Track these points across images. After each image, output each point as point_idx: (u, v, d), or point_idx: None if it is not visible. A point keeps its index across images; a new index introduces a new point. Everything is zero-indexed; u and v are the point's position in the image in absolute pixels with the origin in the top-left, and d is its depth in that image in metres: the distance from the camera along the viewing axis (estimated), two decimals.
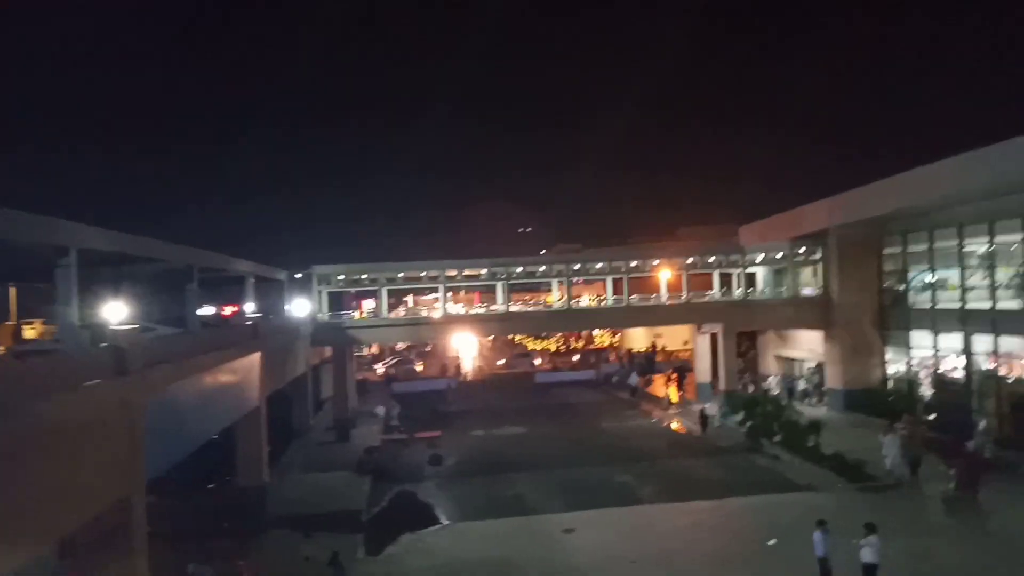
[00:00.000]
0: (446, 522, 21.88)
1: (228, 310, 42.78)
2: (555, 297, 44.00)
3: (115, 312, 15.03)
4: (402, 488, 25.54)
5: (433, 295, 59.34)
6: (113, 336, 13.49)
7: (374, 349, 70.32)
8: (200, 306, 27.94)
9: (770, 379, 37.47)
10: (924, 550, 16.81)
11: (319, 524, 20.74)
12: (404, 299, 68.86)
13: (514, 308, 39.71)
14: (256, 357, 22.31)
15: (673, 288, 40.05)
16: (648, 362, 52.20)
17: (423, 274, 37.36)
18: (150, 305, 29.54)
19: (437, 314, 39.09)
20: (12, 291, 25.93)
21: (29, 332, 28.46)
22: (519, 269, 38.63)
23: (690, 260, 37.91)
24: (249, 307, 33.70)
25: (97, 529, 12.18)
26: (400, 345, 68.74)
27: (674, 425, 34.85)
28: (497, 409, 41.09)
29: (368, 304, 50.45)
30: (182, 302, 31.44)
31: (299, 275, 41.13)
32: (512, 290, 39.18)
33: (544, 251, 74.66)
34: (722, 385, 36.18)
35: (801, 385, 36.99)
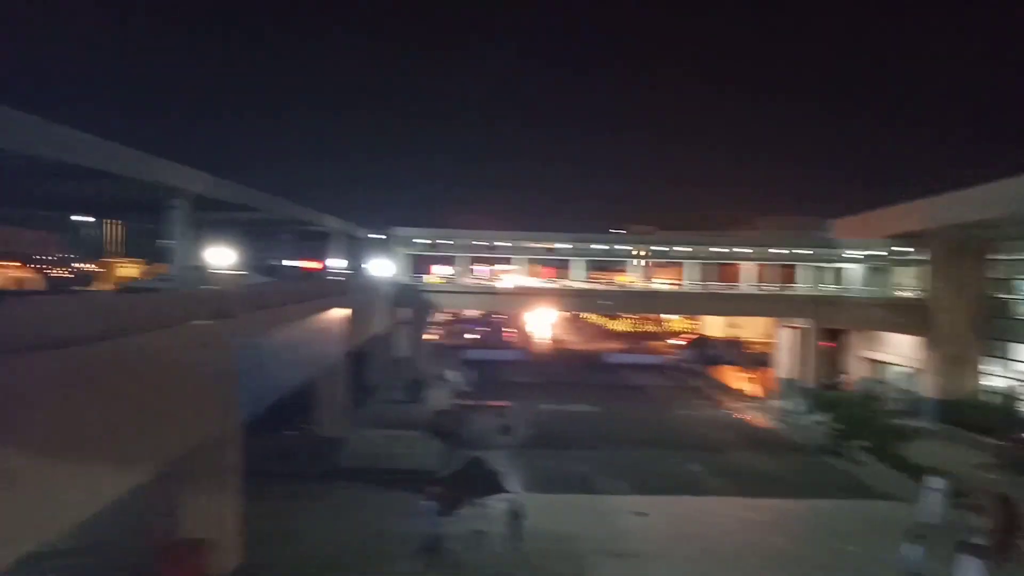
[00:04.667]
0: (516, 491, 21.96)
1: (308, 264, 44.00)
2: (629, 278, 43.22)
3: (219, 257, 15.51)
4: (473, 454, 25.80)
5: (504, 266, 59.68)
6: (216, 280, 13.88)
7: (446, 315, 71.09)
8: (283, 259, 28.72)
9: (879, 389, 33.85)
10: None
11: (392, 481, 21.16)
12: (471, 267, 69.24)
13: (587, 286, 39.26)
14: (343, 313, 22.72)
15: (757, 278, 38.76)
16: (735, 353, 49.42)
17: (503, 244, 37.27)
18: (240, 252, 30.62)
19: (511, 284, 39.08)
20: (121, 229, 27.49)
21: (133, 271, 30.13)
22: (600, 246, 38.09)
23: (780, 250, 36.56)
24: (335, 263, 34.50)
25: (195, 462, 12.68)
26: (474, 313, 69.21)
27: (747, 417, 33.96)
28: (566, 384, 40.99)
29: (437, 269, 50.94)
30: (269, 252, 32.51)
31: (379, 235, 41.79)
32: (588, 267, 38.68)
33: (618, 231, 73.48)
34: (803, 381, 34.93)
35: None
